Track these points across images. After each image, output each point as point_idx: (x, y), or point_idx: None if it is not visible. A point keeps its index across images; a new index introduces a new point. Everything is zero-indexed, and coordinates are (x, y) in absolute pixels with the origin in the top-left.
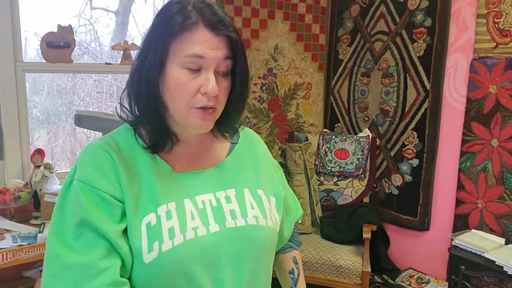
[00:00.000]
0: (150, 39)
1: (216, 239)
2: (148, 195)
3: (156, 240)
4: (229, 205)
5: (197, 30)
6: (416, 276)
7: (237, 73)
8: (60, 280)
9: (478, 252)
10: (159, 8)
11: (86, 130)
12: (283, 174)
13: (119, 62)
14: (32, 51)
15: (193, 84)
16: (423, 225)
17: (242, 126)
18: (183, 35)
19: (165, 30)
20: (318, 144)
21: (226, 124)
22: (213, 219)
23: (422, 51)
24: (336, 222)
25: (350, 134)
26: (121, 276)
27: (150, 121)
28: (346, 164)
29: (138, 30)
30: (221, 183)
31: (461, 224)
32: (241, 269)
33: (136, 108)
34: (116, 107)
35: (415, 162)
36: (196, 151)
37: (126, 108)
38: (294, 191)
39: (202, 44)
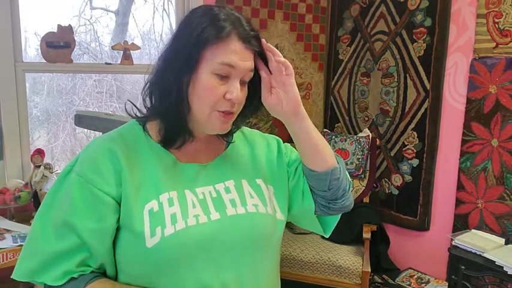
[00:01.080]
0: (180, 46)
1: (217, 225)
2: (151, 184)
3: (158, 226)
4: (228, 195)
5: (232, 41)
6: (416, 276)
7: (252, 83)
8: (25, 260)
9: (478, 252)
10: (159, 8)
11: (86, 130)
12: (286, 146)
13: (118, 62)
14: (32, 51)
15: (220, 89)
16: (423, 225)
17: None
18: (219, 44)
19: (200, 39)
20: None
21: (235, 125)
22: (214, 209)
23: (422, 51)
24: None
25: (350, 134)
26: (87, 266)
27: (172, 118)
28: (346, 164)
29: (138, 30)
30: (220, 176)
31: (461, 224)
32: (242, 255)
33: (160, 105)
34: (125, 104)
35: (415, 162)
36: (201, 146)
37: (136, 106)
38: None
39: (235, 55)
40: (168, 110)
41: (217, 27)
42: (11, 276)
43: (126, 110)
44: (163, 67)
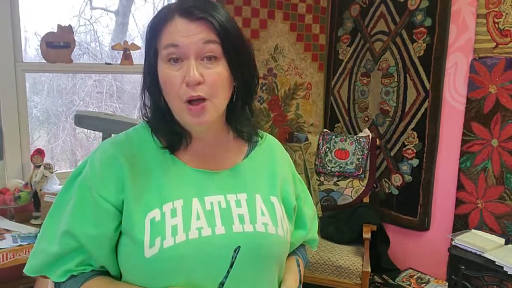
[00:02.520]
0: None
1: (220, 241)
2: (155, 192)
3: (158, 236)
4: (238, 209)
5: (172, 21)
6: (416, 276)
7: (228, 57)
8: (33, 258)
9: (478, 252)
10: (159, 8)
11: (86, 130)
12: (305, 189)
13: (118, 62)
14: (32, 51)
15: (177, 76)
16: (423, 225)
17: (266, 133)
18: (162, 30)
19: (150, 32)
20: (318, 144)
21: (237, 117)
22: (220, 222)
23: (422, 51)
24: (336, 222)
25: (350, 134)
26: (88, 265)
27: (161, 122)
28: (346, 164)
29: (138, 30)
30: (233, 187)
31: (461, 224)
32: (243, 274)
33: (149, 110)
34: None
35: (415, 162)
36: (212, 150)
37: (147, 107)
38: None
39: (176, 33)
40: (154, 114)
41: (162, 14)
42: (23, 270)
43: (141, 113)
44: (143, 73)
